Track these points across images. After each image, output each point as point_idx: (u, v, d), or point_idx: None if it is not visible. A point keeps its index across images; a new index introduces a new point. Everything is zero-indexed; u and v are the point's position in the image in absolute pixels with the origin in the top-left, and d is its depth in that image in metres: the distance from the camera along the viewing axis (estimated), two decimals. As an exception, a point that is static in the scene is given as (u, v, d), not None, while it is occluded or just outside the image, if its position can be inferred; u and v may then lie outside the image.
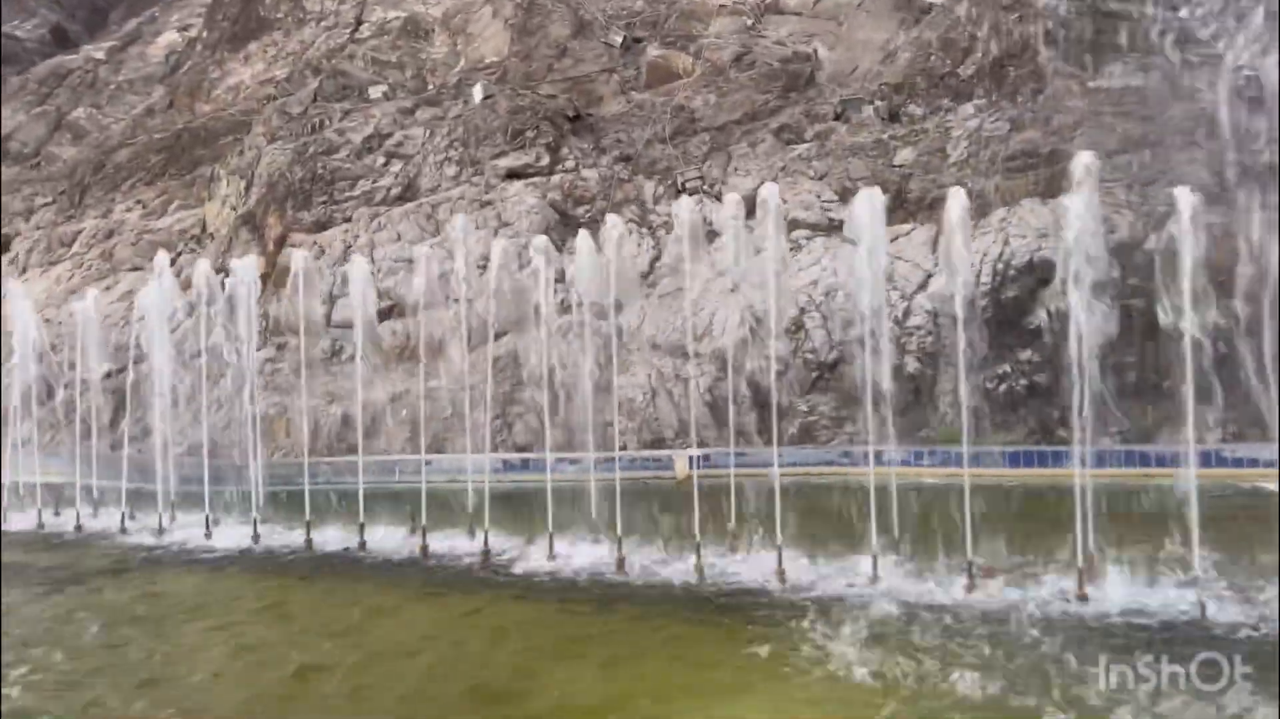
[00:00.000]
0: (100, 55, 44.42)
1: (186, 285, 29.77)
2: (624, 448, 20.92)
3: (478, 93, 29.08)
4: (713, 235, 24.18)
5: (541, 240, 16.67)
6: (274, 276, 27.01)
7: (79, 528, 16.01)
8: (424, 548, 13.24)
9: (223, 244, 29.16)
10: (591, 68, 32.90)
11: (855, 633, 9.06)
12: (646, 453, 20.20)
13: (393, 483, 20.18)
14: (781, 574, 11.11)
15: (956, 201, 10.28)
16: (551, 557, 12.43)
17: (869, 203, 10.60)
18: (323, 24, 36.46)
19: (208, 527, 14.71)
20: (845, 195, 25.08)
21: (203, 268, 17.25)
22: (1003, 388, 20.53)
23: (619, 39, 33.84)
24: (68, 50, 54.80)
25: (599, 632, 9.73)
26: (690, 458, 20.16)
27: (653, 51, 33.16)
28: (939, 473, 18.75)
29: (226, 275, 28.93)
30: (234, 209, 30.28)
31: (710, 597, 10.86)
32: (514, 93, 28.98)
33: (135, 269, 29.95)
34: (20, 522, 16.89)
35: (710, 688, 7.89)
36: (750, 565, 11.92)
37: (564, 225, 25.86)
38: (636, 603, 10.78)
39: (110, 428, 25.74)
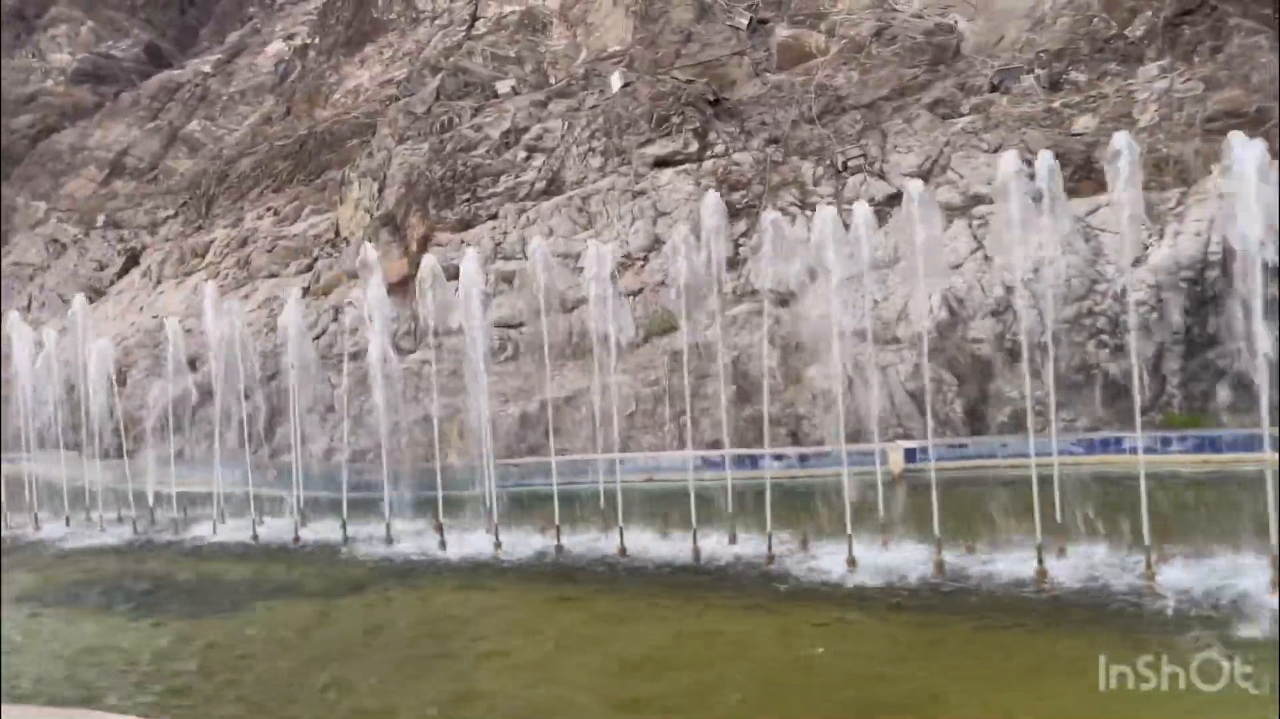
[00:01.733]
0: (208, 69, 44.59)
1: (329, 290, 29.44)
2: (820, 442, 19.77)
3: (615, 81, 28.17)
4: (882, 215, 22.92)
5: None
6: (421, 277, 26.38)
7: (297, 539, 15.32)
8: (696, 551, 12.20)
9: (360, 247, 28.64)
10: (720, 51, 31.78)
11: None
12: (854, 447, 18.97)
13: (588, 483, 19.29)
14: (1151, 575, 9.82)
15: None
16: (851, 562, 11.29)
17: (1254, 151, 9.28)
18: (437, 22, 35.91)
19: (441, 535, 13.86)
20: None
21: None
22: (1236, 366, 18.92)
23: (745, 21, 32.70)
24: (161, 67, 55.44)
25: (985, 648, 8.58)
26: (905, 451, 18.93)
27: (782, 32, 31.92)
28: (1189, 460, 17.28)
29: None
30: (368, 211, 29.78)
31: (1072, 604, 9.62)
32: (654, 79, 27.98)
33: (272, 276, 29.62)
34: (227, 533, 16.29)
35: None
36: (1076, 565, 10.67)
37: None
38: (983, 613, 9.61)
39: (266, 436, 25.35)
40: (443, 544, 13.77)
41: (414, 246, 27.55)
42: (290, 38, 43.26)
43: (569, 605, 10.94)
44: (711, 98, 28.39)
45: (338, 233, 30.36)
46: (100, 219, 36.33)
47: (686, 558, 12.22)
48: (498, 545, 13.38)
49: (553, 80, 33.03)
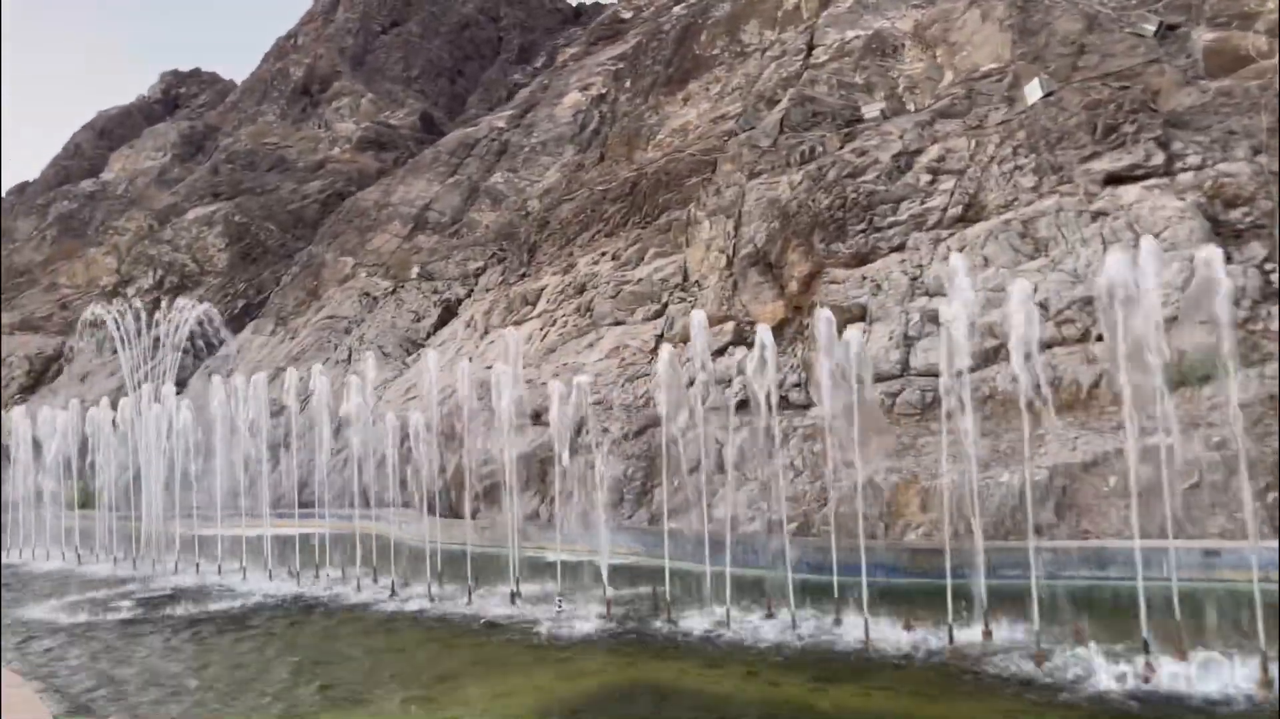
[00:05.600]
0: (501, 124, 43.91)
1: (686, 337, 26.16)
2: None
3: (1033, 90, 23.84)
4: None
5: None
6: (808, 319, 22.55)
7: (866, 642, 11.11)
8: None
9: (723, 289, 25.31)
10: (1127, 61, 26.86)
11: None
12: None
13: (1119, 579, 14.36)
14: None
15: None
16: None
17: None
18: (767, 54, 33.02)
19: (1148, 650, 9.23)
20: None
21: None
22: None
23: (1151, 27, 27.69)
24: (434, 134, 56.47)
25: None
26: None
27: (1205, 36, 26.70)
28: None
29: (738, 322, 24.81)
30: (722, 252, 26.54)
31: None
32: (1084, 85, 23.42)
33: (618, 323, 26.74)
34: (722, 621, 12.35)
35: None
36: None
37: (1215, 233, 19.64)
38: None
39: (642, 497, 21.93)
40: (1145, 678, 9.09)
41: (793, 286, 23.88)
42: (586, 88, 41.89)
43: None
44: (1152, 105, 23.50)
45: (686, 276, 27.28)
46: (414, 271, 35.19)
47: None
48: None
49: (911, 107, 29.13)
